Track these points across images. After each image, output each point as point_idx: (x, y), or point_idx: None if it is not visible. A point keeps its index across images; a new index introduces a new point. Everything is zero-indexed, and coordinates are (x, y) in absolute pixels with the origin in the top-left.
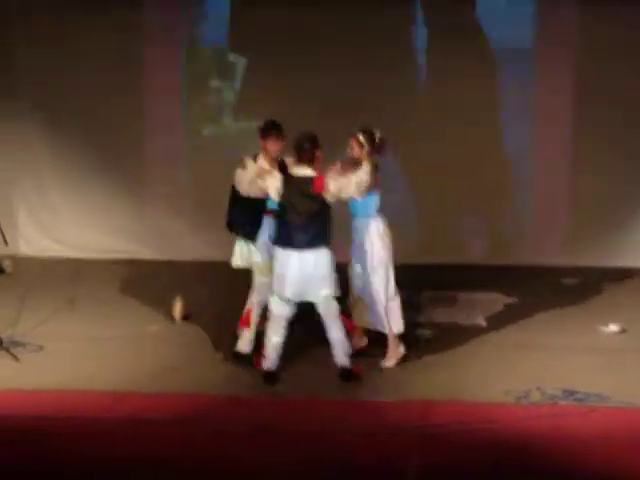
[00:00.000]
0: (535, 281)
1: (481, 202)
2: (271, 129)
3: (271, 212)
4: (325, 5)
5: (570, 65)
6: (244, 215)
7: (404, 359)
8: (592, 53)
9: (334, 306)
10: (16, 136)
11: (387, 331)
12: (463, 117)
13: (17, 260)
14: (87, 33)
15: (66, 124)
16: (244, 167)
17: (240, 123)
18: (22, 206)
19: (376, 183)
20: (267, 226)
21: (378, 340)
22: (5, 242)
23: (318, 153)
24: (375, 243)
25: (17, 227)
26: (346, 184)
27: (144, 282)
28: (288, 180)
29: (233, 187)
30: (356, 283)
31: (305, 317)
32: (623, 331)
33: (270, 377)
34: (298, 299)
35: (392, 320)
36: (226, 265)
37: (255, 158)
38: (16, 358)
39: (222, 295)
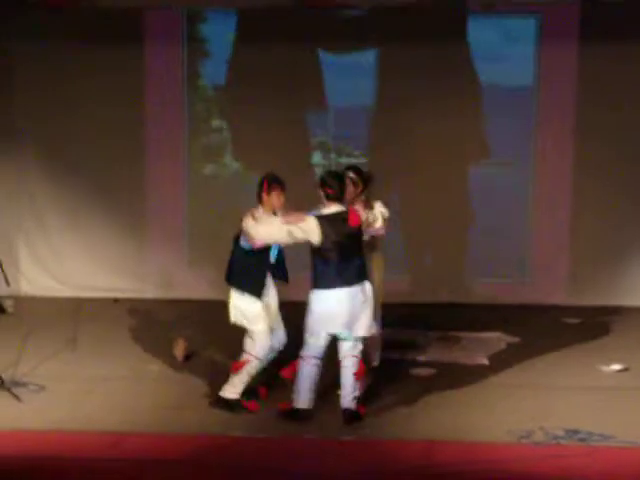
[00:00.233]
0: (537, 320)
1: (482, 241)
2: (277, 183)
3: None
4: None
5: (570, 103)
6: (250, 270)
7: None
8: (592, 91)
9: (360, 346)
10: (17, 176)
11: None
12: (460, 156)
13: (19, 300)
14: (88, 71)
15: (67, 164)
16: (255, 219)
17: (241, 162)
18: (24, 246)
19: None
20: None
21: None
22: (7, 282)
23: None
24: None
25: (19, 267)
26: (373, 217)
27: (145, 321)
28: (322, 220)
29: (237, 241)
30: None
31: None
32: (625, 370)
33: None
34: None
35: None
36: (226, 304)
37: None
38: (18, 398)
39: (223, 334)
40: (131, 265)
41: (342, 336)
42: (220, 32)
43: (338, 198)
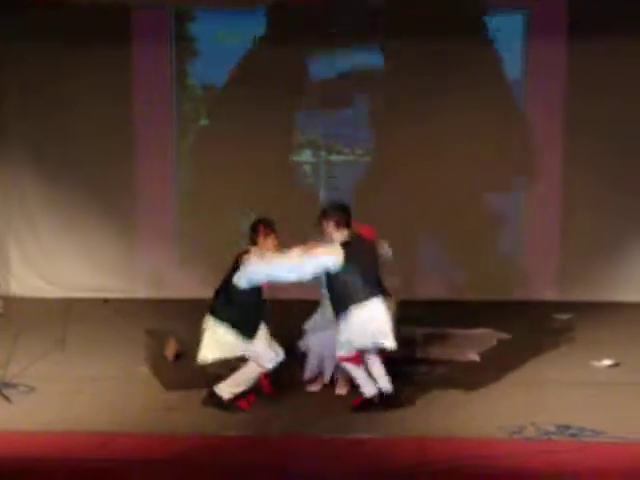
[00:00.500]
0: (528, 316)
1: (473, 238)
2: (272, 227)
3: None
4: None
5: (558, 98)
6: (249, 310)
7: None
8: (581, 85)
9: None
10: (6, 176)
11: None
12: (450, 153)
13: (8, 300)
14: (77, 70)
15: (56, 164)
16: (260, 256)
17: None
18: (13, 247)
19: None
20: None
21: None
22: None
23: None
24: None
25: (9, 268)
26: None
27: (135, 321)
28: (344, 245)
29: (228, 282)
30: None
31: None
32: (616, 365)
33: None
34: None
35: None
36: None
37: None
38: (8, 399)
39: None
40: (121, 265)
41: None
42: (208, 31)
43: (348, 224)
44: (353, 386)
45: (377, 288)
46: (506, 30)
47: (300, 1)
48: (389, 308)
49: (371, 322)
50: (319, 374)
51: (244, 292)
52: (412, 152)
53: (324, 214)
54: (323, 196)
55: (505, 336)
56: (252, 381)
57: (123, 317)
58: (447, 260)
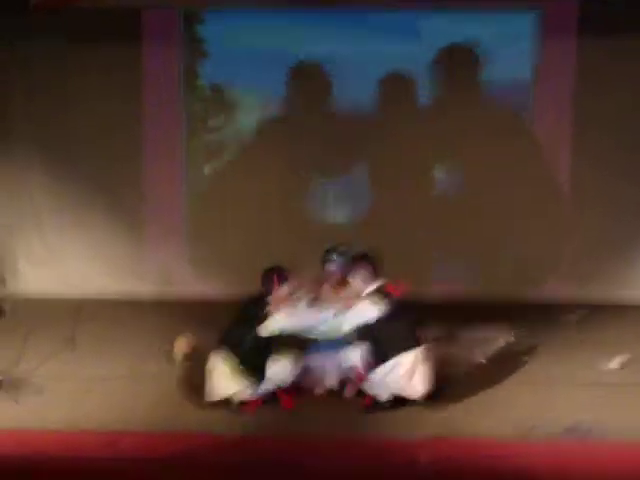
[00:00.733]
0: (536, 317)
1: (482, 241)
2: (285, 275)
3: None
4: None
5: (568, 95)
6: (261, 356)
7: None
8: (591, 83)
9: None
10: (15, 178)
11: None
12: (462, 150)
13: (17, 301)
14: (86, 70)
15: (66, 163)
16: (292, 307)
17: (241, 161)
18: (22, 247)
19: None
20: None
21: None
22: (3, 283)
23: None
24: None
25: (17, 267)
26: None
27: (145, 321)
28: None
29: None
30: None
31: None
32: (626, 366)
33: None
34: None
35: None
36: (228, 303)
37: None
38: (17, 399)
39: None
40: (130, 264)
41: None
42: (217, 32)
43: (375, 276)
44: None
45: (412, 340)
46: (516, 29)
47: None
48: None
49: (402, 375)
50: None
51: (259, 337)
52: (420, 150)
53: (354, 264)
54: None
55: (513, 337)
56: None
57: (132, 316)
58: (457, 263)
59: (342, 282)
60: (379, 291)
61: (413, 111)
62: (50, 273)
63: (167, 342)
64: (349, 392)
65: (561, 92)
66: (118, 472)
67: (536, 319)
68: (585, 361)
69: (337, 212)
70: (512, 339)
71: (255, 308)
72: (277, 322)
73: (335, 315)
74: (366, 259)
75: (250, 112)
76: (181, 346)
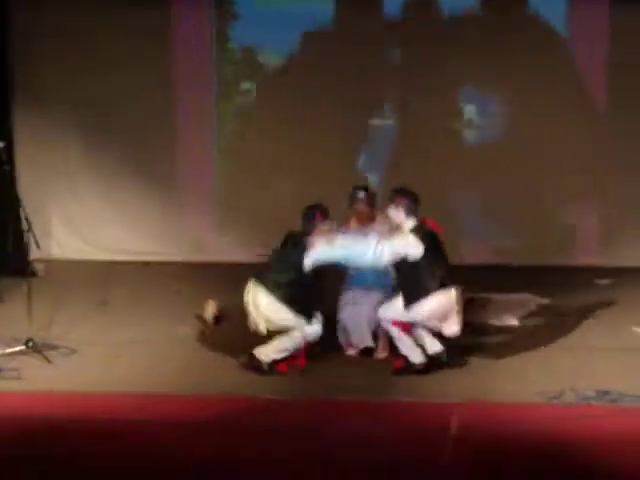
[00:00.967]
0: (568, 281)
1: (513, 203)
2: (327, 214)
3: None
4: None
5: (602, 64)
6: (306, 294)
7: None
8: (625, 49)
9: None
10: (47, 140)
11: None
12: (492, 117)
13: (49, 263)
14: (117, 33)
15: (97, 127)
16: (331, 243)
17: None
18: (54, 209)
19: None
20: None
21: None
22: (37, 245)
23: None
24: None
25: (49, 230)
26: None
27: (176, 284)
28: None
29: (285, 262)
30: None
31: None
32: None
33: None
34: None
35: None
36: (257, 267)
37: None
38: (48, 360)
39: None
40: (162, 228)
41: None
42: None
43: (414, 212)
44: (392, 350)
45: (447, 279)
46: None
47: None
48: (456, 300)
49: (440, 311)
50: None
51: (305, 274)
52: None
53: (395, 197)
54: (362, 161)
55: (545, 301)
56: (296, 350)
57: (163, 280)
58: (488, 225)
59: (370, 220)
60: (421, 226)
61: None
62: (83, 236)
63: (198, 305)
64: (381, 353)
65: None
66: (148, 435)
67: (568, 284)
68: (617, 325)
69: (368, 174)
70: (544, 303)
71: (297, 243)
72: (321, 251)
73: (378, 243)
74: (405, 193)
75: (280, 75)
76: (211, 309)
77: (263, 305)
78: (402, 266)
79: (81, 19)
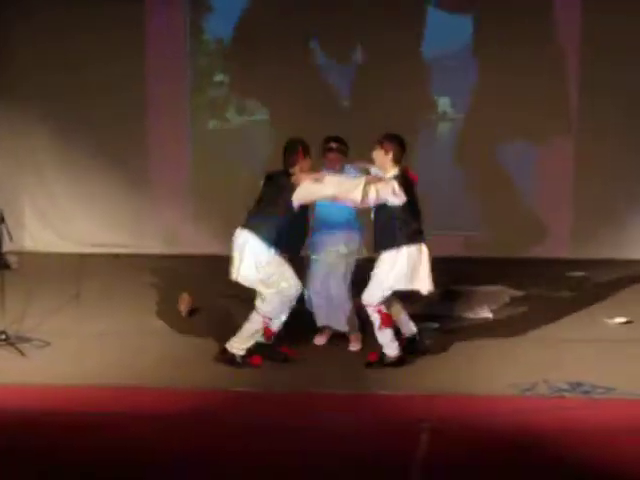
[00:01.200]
0: (541, 274)
1: (486, 195)
2: (309, 149)
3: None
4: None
5: (574, 60)
6: (295, 228)
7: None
8: (595, 46)
9: None
10: (20, 132)
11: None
12: (467, 111)
13: (22, 256)
14: (88, 26)
15: (70, 120)
16: (318, 180)
17: (244, 117)
18: (26, 202)
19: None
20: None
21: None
22: (10, 238)
23: None
24: None
25: (22, 222)
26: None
27: (149, 277)
28: (399, 180)
29: (268, 202)
30: None
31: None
32: (629, 322)
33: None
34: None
35: None
36: (230, 259)
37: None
38: (22, 353)
39: (227, 289)
40: (135, 220)
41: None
42: None
43: (399, 160)
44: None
45: (421, 232)
46: None
47: None
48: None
49: (412, 266)
50: (325, 328)
51: (292, 213)
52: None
53: (384, 142)
54: None
55: (518, 293)
56: (258, 333)
57: (136, 272)
58: (461, 217)
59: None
60: (403, 175)
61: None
62: (55, 229)
63: (171, 298)
64: (354, 345)
65: (568, 55)
66: (122, 428)
67: (541, 276)
68: (589, 317)
69: None
70: (517, 295)
71: (280, 180)
72: (311, 188)
73: (367, 184)
74: (396, 140)
75: (254, 67)
76: (184, 302)
77: (245, 262)
78: (378, 212)
79: (54, 11)
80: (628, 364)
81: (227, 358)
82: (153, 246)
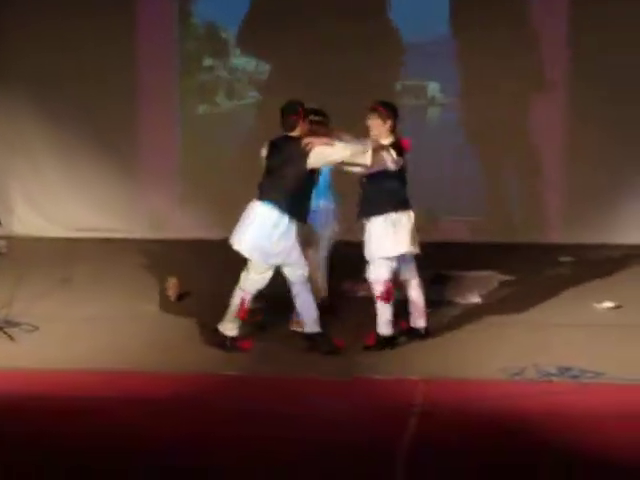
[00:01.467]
0: (531, 258)
1: (477, 180)
2: (307, 112)
3: None
4: None
5: (562, 46)
6: (304, 194)
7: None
8: (586, 30)
9: None
10: (8, 117)
11: None
12: (455, 95)
13: (11, 240)
14: (79, 11)
15: (58, 104)
16: (329, 144)
17: (234, 101)
18: (16, 186)
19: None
20: None
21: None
22: None
23: None
24: None
25: (11, 207)
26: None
27: (138, 261)
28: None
29: (280, 168)
30: None
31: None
32: (618, 307)
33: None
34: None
35: None
36: (220, 243)
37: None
38: (11, 338)
39: (216, 273)
40: (123, 205)
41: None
42: None
43: (395, 129)
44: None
45: (406, 202)
46: None
47: None
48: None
49: (404, 231)
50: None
51: (305, 179)
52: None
53: (381, 110)
54: None
55: (508, 278)
56: (240, 306)
57: (126, 257)
58: (452, 202)
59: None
60: (397, 144)
61: None
62: (44, 213)
63: (160, 282)
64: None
65: (556, 41)
66: (111, 412)
67: (531, 261)
68: (579, 302)
69: None
70: (506, 280)
71: (288, 146)
72: (325, 151)
73: (375, 149)
74: (393, 108)
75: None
76: (173, 286)
77: (257, 232)
78: (371, 179)
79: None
80: (617, 349)
81: (218, 340)
82: (142, 231)
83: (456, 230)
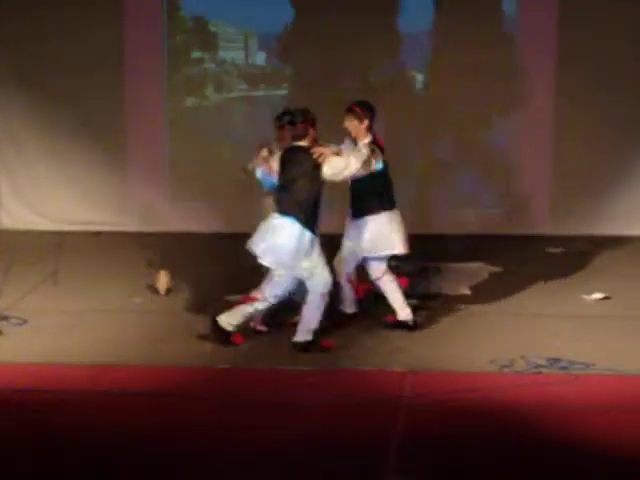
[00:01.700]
0: (520, 250)
1: (464, 171)
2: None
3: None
4: None
5: (552, 34)
6: (314, 203)
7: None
8: (574, 20)
9: None
10: None
11: None
12: (445, 89)
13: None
14: (65, 3)
15: (46, 97)
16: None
17: (222, 94)
18: (4, 179)
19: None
20: None
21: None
22: None
23: None
24: None
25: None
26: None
27: (127, 254)
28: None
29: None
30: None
31: None
32: (607, 298)
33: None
34: None
35: None
36: (208, 237)
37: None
38: (0, 332)
39: (205, 267)
40: (113, 198)
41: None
42: None
43: (372, 128)
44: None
45: (391, 201)
46: None
47: None
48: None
49: (394, 230)
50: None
51: (316, 190)
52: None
53: (357, 111)
54: None
55: (497, 269)
56: (256, 315)
57: (115, 250)
58: (440, 194)
59: None
60: (375, 142)
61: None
62: (32, 206)
63: (150, 275)
64: (258, 326)
65: (545, 29)
66: (103, 405)
67: (520, 252)
68: (567, 293)
69: None
70: (496, 271)
71: (299, 157)
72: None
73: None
74: (370, 108)
75: (231, 44)
76: (162, 280)
77: (278, 244)
78: (360, 180)
79: None
80: (606, 340)
81: (215, 332)
82: (131, 224)
83: (444, 222)
